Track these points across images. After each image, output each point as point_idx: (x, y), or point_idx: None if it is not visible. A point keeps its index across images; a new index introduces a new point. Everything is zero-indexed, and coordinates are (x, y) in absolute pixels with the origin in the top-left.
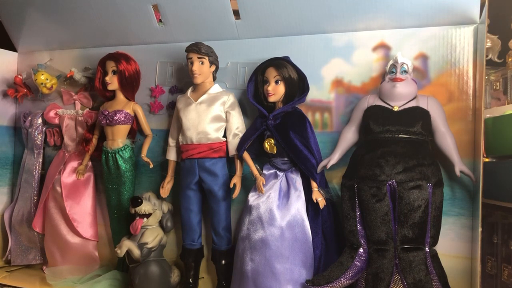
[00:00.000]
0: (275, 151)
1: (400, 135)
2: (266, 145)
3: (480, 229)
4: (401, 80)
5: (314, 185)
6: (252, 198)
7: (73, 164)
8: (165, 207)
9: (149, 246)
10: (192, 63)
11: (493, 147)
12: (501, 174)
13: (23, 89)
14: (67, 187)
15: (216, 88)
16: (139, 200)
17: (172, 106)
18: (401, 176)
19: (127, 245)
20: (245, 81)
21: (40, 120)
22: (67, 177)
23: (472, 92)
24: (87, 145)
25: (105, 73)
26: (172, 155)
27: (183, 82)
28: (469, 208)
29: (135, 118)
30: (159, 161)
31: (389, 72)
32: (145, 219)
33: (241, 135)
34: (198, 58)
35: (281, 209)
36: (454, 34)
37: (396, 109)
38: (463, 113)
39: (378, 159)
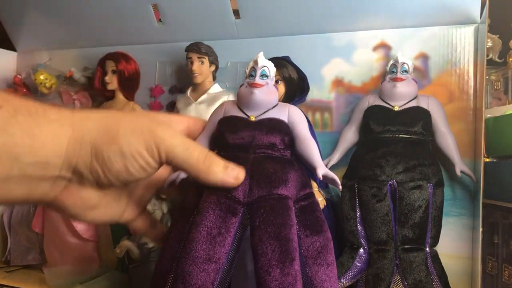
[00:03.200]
0: None
1: (400, 135)
2: None
3: (480, 229)
4: (402, 80)
5: (314, 185)
6: None
7: None
8: (165, 207)
9: (149, 246)
10: (192, 63)
11: (493, 147)
12: (502, 174)
13: (23, 89)
14: None
15: (216, 88)
16: None
17: (171, 106)
18: (401, 176)
19: (126, 245)
20: None
21: None
22: None
23: (472, 92)
24: None
25: (104, 73)
26: None
27: (183, 82)
28: (470, 208)
29: None
30: None
31: (390, 72)
32: None
33: None
34: (198, 57)
35: None
36: (455, 33)
37: (396, 109)
38: (463, 113)
39: (378, 159)
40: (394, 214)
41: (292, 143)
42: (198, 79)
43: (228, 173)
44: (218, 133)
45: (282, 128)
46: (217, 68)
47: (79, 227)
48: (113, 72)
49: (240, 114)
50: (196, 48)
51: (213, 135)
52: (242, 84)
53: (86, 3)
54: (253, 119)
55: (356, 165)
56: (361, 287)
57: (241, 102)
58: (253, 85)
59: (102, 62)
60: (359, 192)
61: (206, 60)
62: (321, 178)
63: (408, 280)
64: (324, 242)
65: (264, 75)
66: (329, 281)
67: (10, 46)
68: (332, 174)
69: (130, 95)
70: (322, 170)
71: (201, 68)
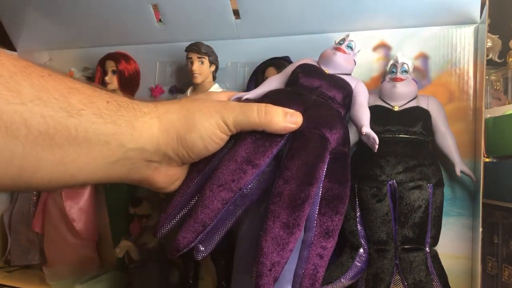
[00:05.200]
0: None
1: (400, 135)
2: None
3: (480, 229)
4: (402, 80)
5: None
6: None
7: None
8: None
9: (149, 246)
10: (192, 63)
11: (493, 147)
12: (501, 174)
13: None
14: None
15: (215, 88)
16: (139, 201)
17: None
18: (401, 176)
19: (126, 245)
20: (245, 81)
21: None
22: None
23: (472, 92)
24: None
25: (104, 73)
26: None
27: (183, 82)
28: (470, 208)
29: None
30: None
31: (390, 72)
32: (144, 219)
33: None
34: (198, 57)
35: None
36: (455, 34)
37: (396, 109)
38: (463, 113)
39: (378, 159)
40: (394, 214)
41: (349, 106)
42: (198, 79)
43: (288, 120)
44: (293, 74)
45: (346, 88)
46: (217, 68)
47: (79, 227)
48: (113, 72)
49: (318, 66)
50: (196, 48)
51: (288, 77)
52: (328, 48)
53: (86, 3)
54: (327, 73)
55: (356, 165)
56: (361, 287)
57: (322, 59)
58: (337, 49)
59: (102, 62)
60: (359, 192)
61: (206, 60)
62: (364, 134)
63: (408, 280)
64: (342, 194)
65: (349, 47)
66: (332, 225)
67: (10, 46)
68: (374, 135)
69: (130, 95)
70: (366, 128)
71: (201, 68)
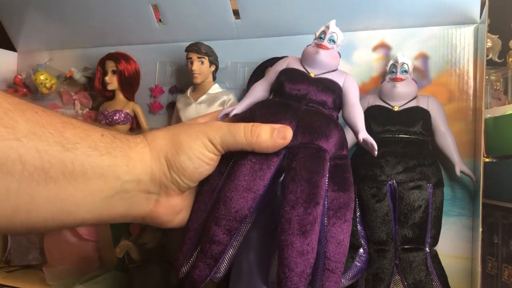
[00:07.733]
0: None
1: (400, 135)
2: None
3: (480, 229)
4: (401, 80)
5: None
6: None
7: None
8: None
9: (149, 246)
10: (192, 63)
11: (493, 147)
12: (501, 174)
13: (23, 89)
14: None
15: (215, 88)
16: None
17: (172, 106)
18: (401, 176)
19: (126, 245)
20: (245, 81)
21: None
22: None
23: (472, 92)
24: None
25: (104, 73)
26: None
27: (183, 82)
28: (470, 208)
29: (135, 118)
30: None
31: (389, 72)
32: None
33: None
34: (198, 58)
35: None
36: (455, 33)
37: (396, 109)
38: (463, 113)
39: (378, 159)
40: (394, 214)
41: (341, 106)
42: (198, 79)
43: (276, 136)
44: (277, 81)
45: (335, 90)
46: (217, 68)
47: (79, 227)
48: (113, 72)
49: (301, 69)
50: (196, 48)
51: (272, 84)
52: (309, 44)
53: (86, 3)
54: (312, 76)
55: (356, 165)
56: (361, 287)
57: (305, 59)
58: (320, 46)
59: (102, 62)
60: (359, 192)
61: (206, 60)
62: (361, 141)
63: (408, 280)
64: (347, 201)
65: (331, 40)
66: (343, 235)
67: (10, 46)
68: (371, 140)
69: (130, 95)
70: (363, 134)
71: (201, 68)
